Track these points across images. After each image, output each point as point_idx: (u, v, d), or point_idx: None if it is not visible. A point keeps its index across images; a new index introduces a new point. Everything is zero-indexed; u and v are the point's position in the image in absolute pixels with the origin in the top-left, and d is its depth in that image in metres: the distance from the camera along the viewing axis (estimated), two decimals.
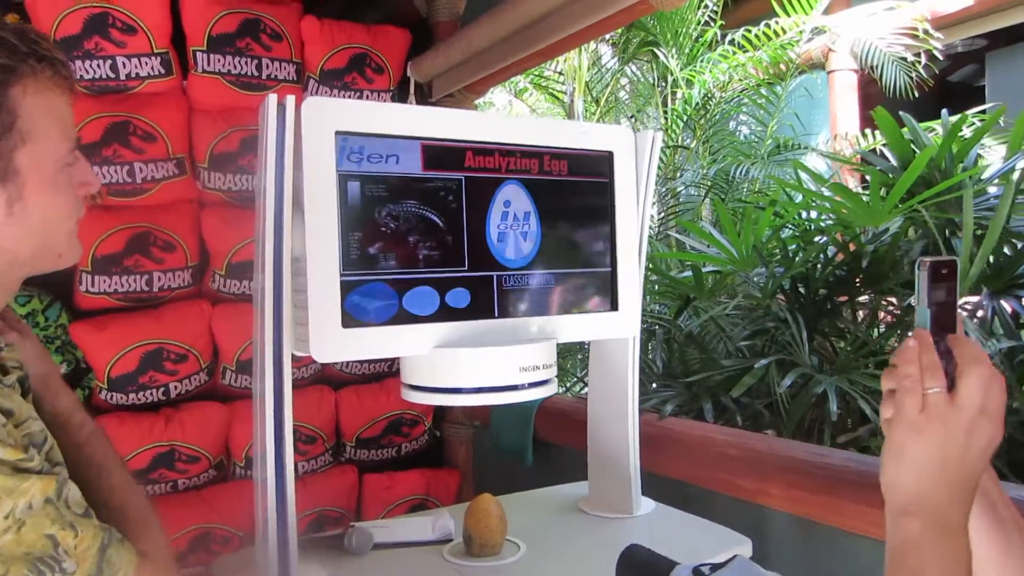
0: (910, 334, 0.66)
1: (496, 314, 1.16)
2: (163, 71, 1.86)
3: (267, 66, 1.95)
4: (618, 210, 1.29)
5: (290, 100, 1.00)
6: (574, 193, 1.26)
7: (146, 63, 1.84)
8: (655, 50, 3.54)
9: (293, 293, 1.06)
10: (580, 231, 1.27)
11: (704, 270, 2.05)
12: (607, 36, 3.91)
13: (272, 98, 1.00)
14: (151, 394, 1.88)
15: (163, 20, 1.83)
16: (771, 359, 1.64)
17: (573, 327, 1.24)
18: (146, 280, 1.86)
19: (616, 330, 1.29)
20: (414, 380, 1.13)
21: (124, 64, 1.82)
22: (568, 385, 2.84)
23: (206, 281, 1.98)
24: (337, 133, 1.04)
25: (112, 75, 1.82)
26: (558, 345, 1.20)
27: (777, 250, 1.95)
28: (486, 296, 1.15)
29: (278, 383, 1.05)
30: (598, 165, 1.28)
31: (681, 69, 3.49)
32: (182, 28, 1.88)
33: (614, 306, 1.28)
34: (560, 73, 3.84)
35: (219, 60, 1.90)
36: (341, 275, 1.04)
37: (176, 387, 1.91)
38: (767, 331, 1.85)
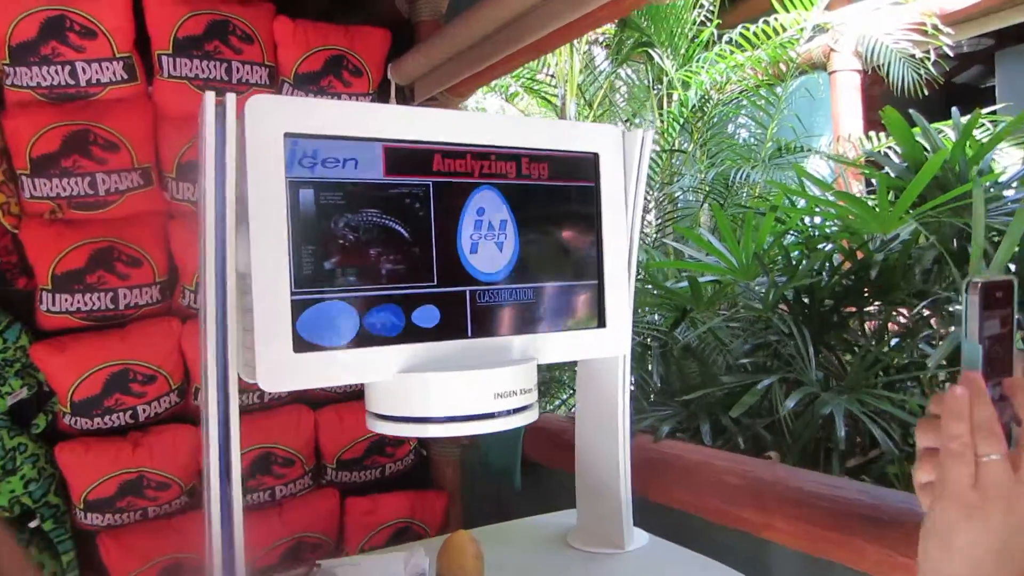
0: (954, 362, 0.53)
1: (469, 334, 1.05)
2: (126, 76, 1.77)
3: (237, 70, 1.85)
4: (605, 217, 1.18)
5: (230, 98, 0.90)
6: (556, 199, 1.15)
7: (107, 68, 1.74)
8: (649, 51, 3.44)
9: (242, 313, 0.95)
10: (563, 241, 1.16)
11: (702, 280, 1.94)
12: (600, 38, 3.81)
13: (210, 96, 0.89)
14: (118, 418, 1.78)
15: (125, 23, 1.74)
16: (774, 378, 1.53)
17: (556, 346, 1.13)
18: (111, 297, 1.76)
19: (604, 348, 1.18)
20: (379, 408, 1.02)
21: (84, 70, 1.72)
22: (563, 399, 2.71)
23: (175, 298, 1.88)
24: (286, 135, 0.94)
25: (71, 81, 1.72)
26: None
27: (779, 258, 1.84)
28: (458, 314, 1.04)
29: (223, 413, 0.94)
30: (582, 168, 1.17)
31: (677, 70, 3.39)
32: (146, 31, 1.78)
33: (601, 322, 1.17)
34: (552, 76, 3.73)
35: (186, 64, 1.80)
36: (292, 293, 0.93)
37: (144, 410, 1.81)
38: (769, 345, 1.73)
